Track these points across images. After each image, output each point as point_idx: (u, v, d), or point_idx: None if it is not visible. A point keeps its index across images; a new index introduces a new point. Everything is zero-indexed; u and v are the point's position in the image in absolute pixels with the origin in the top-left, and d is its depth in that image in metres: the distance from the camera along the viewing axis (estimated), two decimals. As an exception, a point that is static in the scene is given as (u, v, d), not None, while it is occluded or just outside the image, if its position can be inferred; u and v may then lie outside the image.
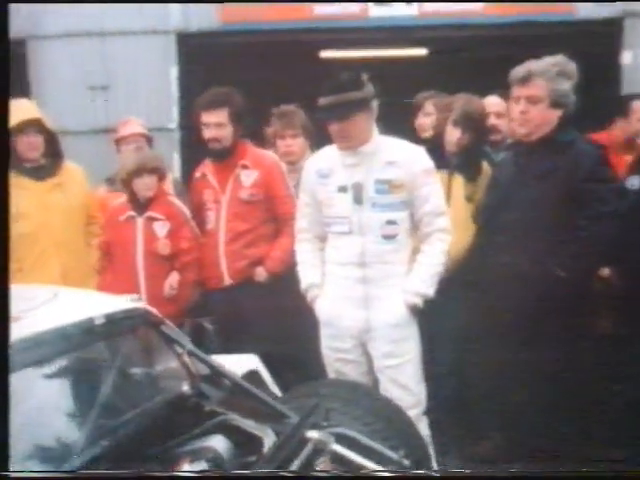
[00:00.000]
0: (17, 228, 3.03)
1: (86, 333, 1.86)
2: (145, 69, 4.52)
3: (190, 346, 2.10)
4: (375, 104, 2.38)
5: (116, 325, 1.98)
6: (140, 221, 3.15)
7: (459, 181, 2.84)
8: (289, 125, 3.22)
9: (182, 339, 2.14)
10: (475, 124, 2.82)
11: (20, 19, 4.64)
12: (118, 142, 3.55)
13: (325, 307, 2.48)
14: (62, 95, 4.54)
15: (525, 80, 2.41)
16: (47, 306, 1.97)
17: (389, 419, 2.09)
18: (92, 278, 3.21)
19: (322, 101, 2.32)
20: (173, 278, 3.13)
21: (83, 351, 1.91)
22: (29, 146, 3.08)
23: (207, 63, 4.49)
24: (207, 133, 2.98)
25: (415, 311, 2.43)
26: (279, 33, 4.47)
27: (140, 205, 3.16)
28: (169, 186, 3.50)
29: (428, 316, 2.51)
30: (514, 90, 2.51)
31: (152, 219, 3.16)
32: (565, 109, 2.43)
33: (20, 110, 3.08)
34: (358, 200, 2.38)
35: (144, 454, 1.78)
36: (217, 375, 2.21)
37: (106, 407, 1.88)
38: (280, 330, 2.96)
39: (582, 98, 2.47)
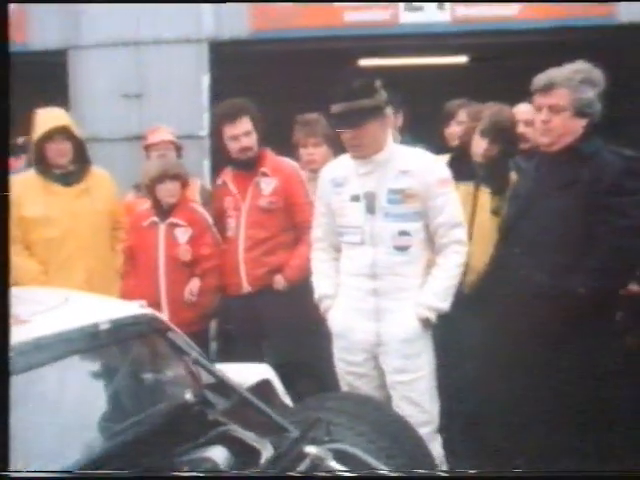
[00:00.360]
0: (45, 232, 3.17)
1: (91, 338, 1.88)
2: (178, 77, 4.59)
3: (195, 354, 2.10)
4: (389, 111, 2.34)
5: (122, 331, 1.99)
6: (162, 227, 3.19)
7: (485, 194, 2.76)
8: (311, 133, 3.21)
9: (188, 347, 2.14)
10: (504, 135, 2.72)
11: (62, 29, 4.80)
12: (147, 149, 3.62)
13: (337, 319, 2.45)
14: (98, 103, 4.65)
15: (547, 88, 2.32)
16: (57, 310, 2.01)
17: (395, 437, 2.03)
18: (117, 283, 3.27)
19: (334, 108, 2.29)
20: (194, 284, 3.15)
21: (88, 355, 1.93)
22: (58, 152, 3.16)
23: (238, 71, 4.52)
24: (236, 145, 2.99)
25: (428, 325, 2.37)
26: (310, 41, 4.47)
27: (163, 211, 3.20)
28: (196, 193, 3.55)
29: (445, 330, 2.45)
30: (536, 99, 2.42)
31: (174, 225, 3.19)
32: (590, 118, 2.32)
33: (49, 118, 3.18)
34: (370, 210, 2.34)
35: (143, 461, 1.79)
36: (222, 385, 2.21)
37: (111, 411, 1.90)
38: (298, 339, 2.95)
39: (629, 105, 2.36)
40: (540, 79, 2.36)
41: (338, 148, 3.33)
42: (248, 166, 3.04)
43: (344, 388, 2.48)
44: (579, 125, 2.33)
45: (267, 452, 1.81)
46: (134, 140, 4.36)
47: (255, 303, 3.01)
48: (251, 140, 3.00)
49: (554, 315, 2.25)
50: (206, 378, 2.31)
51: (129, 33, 4.60)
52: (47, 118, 3.18)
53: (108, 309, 2.11)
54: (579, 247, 2.24)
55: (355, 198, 2.37)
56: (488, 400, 2.62)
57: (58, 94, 4.82)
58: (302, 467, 1.72)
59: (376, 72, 2.37)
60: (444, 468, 2.33)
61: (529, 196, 2.49)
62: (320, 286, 2.50)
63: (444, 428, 2.47)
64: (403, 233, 2.34)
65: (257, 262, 3.01)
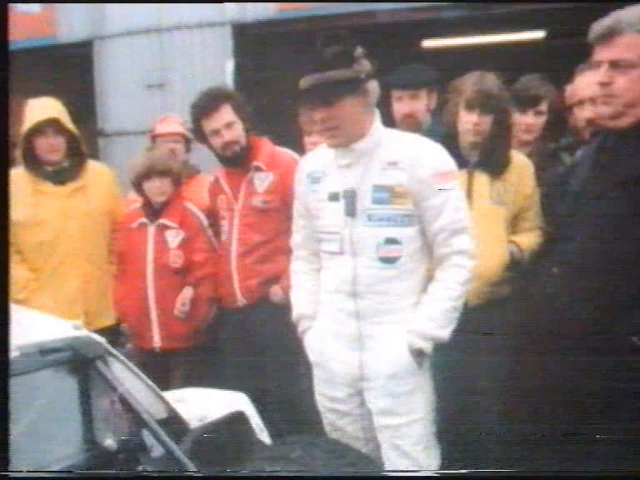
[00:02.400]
0: (35, 236, 2.87)
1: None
2: (201, 64, 4.27)
3: (123, 389, 1.73)
4: (374, 87, 1.86)
5: (33, 359, 1.66)
6: (152, 229, 2.85)
7: (482, 180, 2.23)
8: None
9: (116, 380, 1.77)
10: (492, 103, 2.19)
11: (88, 20, 4.62)
12: (154, 140, 3.29)
13: (315, 345, 1.99)
14: (122, 95, 4.43)
15: (607, 36, 1.69)
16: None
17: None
18: (109, 288, 2.99)
19: (302, 83, 1.82)
20: (185, 294, 2.79)
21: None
22: (49, 148, 2.89)
23: (263, 55, 4.14)
24: (219, 140, 2.59)
25: (422, 358, 1.87)
26: (341, 18, 4.01)
27: (154, 211, 2.87)
28: (204, 191, 3.19)
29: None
30: (595, 54, 1.81)
31: (164, 227, 2.85)
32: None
33: (39, 109, 2.91)
34: (350, 211, 1.86)
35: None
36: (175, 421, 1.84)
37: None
38: (295, 361, 2.53)
39: None
40: (599, 25, 1.74)
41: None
42: (238, 161, 2.64)
43: (326, 428, 2.03)
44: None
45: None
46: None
47: (250, 318, 2.60)
48: (235, 132, 2.58)
49: (600, 371, 1.65)
50: (162, 411, 1.95)
51: (152, 20, 4.33)
52: (36, 109, 2.91)
53: (30, 331, 1.79)
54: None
55: (333, 197, 1.90)
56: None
57: (86, 87, 4.69)
58: None
59: (357, 38, 1.87)
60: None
61: (579, 195, 1.91)
62: (298, 304, 2.05)
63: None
64: (391, 241, 1.85)
65: (251, 271, 2.59)
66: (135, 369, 1.92)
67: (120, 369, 1.86)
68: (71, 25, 4.60)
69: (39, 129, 2.86)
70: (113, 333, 2.91)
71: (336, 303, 1.91)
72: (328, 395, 1.97)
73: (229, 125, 2.58)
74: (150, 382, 1.95)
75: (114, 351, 1.89)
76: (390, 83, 2.66)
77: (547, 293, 1.82)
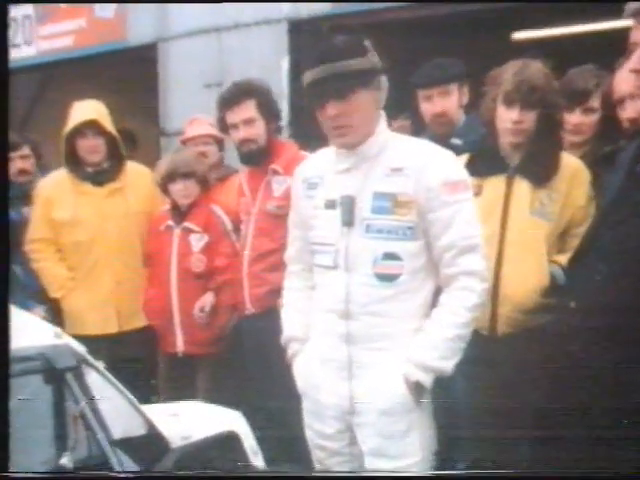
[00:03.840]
0: (73, 235, 2.93)
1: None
2: (258, 62, 4.20)
3: (82, 406, 1.66)
4: (384, 82, 1.65)
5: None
6: (177, 232, 2.81)
7: (523, 188, 1.94)
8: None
9: (85, 394, 1.71)
10: (536, 96, 1.90)
11: (154, 23, 4.71)
12: (184, 144, 3.26)
13: (302, 371, 1.80)
14: (182, 95, 4.47)
15: None
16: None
17: None
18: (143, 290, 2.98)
19: (308, 76, 1.64)
20: (205, 300, 2.73)
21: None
22: (89, 149, 2.94)
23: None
24: (236, 135, 2.50)
25: (420, 392, 1.64)
26: (399, 10, 3.77)
27: (180, 214, 2.83)
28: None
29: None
30: (631, 35, 1.52)
31: (189, 230, 2.80)
32: None
33: (78, 112, 2.97)
34: (347, 220, 1.67)
35: None
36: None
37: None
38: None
39: None
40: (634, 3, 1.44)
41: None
42: (257, 162, 2.52)
43: (315, 465, 1.84)
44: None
45: None
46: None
47: (258, 328, 2.48)
48: (253, 130, 2.47)
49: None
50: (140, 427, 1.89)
51: (211, 20, 4.32)
52: (78, 111, 2.97)
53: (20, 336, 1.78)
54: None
55: (330, 204, 1.71)
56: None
57: (151, 89, 4.79)
58: None
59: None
60: None
61: (615, 201, 1.62)
62: (288, 324, 1.87)
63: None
64: (390, 256, 1.64)
65: (259, 279, 2.48)
66: (115, 381, 1.86)
67: (98, 381, 1.80)
68: (139, 28, 4.71)
69: (80, 131, 2.91)
70: (143, 335, 2.93)
71: (327, 324, 1.73)
72: (316, 429, 1.78)
73: (248, 121, 2.48)
74: (130, 396, 1.88)
75: (94, 362, 1.84)
76: (416, 82, 2.42)
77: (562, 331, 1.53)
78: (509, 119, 1.94)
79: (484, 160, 1.99)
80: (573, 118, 2.21)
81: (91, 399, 1.71)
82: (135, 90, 5.18)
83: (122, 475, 1.62)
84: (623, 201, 1.52)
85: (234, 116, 2.48)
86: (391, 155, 1.68)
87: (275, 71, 4.15)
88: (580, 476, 1.32)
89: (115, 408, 1.80)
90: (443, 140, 2.29)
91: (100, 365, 1.87)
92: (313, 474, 1.55)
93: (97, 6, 4.82)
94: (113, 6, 4.81)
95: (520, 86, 1.91)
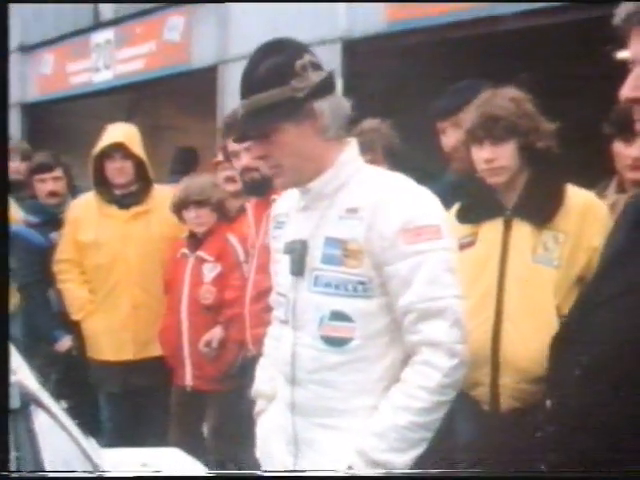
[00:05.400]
0: (95, 257, 2.92)
1: None
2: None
3: (13, 456, 1.53)
4: (321, 107, 1.37)
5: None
6: (191, 260, 2.69)
7: (523, 231, 1.63)
8: (366, 147, 2.33)
9: (23, 441, 1.58)
10: (504, 127, 1.60)
11: (217, 45, 4.71)
12: (216, 167, 3.15)
13: (260, 434, 1.58)
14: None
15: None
16: None
17: None
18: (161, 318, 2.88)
19: (239, 110, 1.43)
20: (213, 334, 2.58)
21: None
22: (117, 172, 2.92)
23: (374, 70, 3.79)
24: (238, 163, 2.33)
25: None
26: (458, 26, 3.48)
27: (196, 242, 2.71)
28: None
29: None
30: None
31: (202, 260, 2.67)
32: None
33: (107, 134, 2.96)
34: (296, 269, 1.43)
35: None
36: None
37: None
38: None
39: None
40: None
41: (405, 167, 2.43)
42: (261, 192, 2.33)
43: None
44: None
45: None
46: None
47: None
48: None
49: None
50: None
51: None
52: (108, 134, 2.96)
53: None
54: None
55: (289, 249, 1.48)
56: None
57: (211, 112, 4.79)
58: None
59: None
60: None
61: (622, 248, 1.26)
62: (257, 377, 1.66)
63: None
64: (338, 316, 1.37)
65: (258, 318, 2.27)
66: (68, 424, 1.73)
67: (46, 425, 1.67)
68: (202, 51, 4.73)
69: (108, 153, 2.89)
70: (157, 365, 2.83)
71: (279, 388, 1.51)
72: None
73: (264, 156, 2.30)
74: (83, 442, 1.74)
75: (47, 402, 1.72)
76: (428, 113, 2.14)
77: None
78: (480, 159, 1.64)
79: (478, 203, 1.69)
80: (632, 151, 1.84)
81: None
82: (198, 110, 5.24)
83: (121, 475, 1.57)
84: (622, 266, 1.15)
85: (236, 144, 2.33)
86: (350, 192, 1.41)
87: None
88: (580, 476, 1.16)
89: (62, 456, 1.66)
90: (466, 176, 2.01)
91: (55, 406, 1.74)
92: (313, 474, 1.38)
93: (166, 29, 4.92)
94: (180, 29, 4.88)
95: (483, 119, 1.61)
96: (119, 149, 2.88)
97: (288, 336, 1.46)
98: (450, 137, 2.06)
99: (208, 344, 2.57)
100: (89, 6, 5.65)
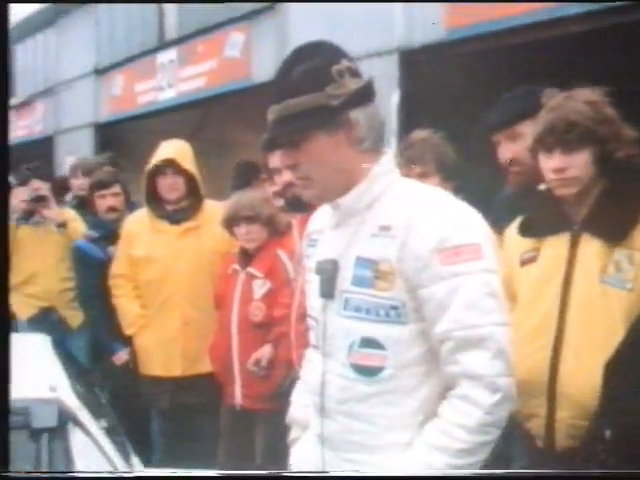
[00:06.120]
0: (147, 273, 2.95)
1: None
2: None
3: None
4: (357, 116, 1.27)
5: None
6: (242, 276, 2.65)
7: (592, 248, 1.47)
8: (416, 158, 2.22)
9: (60, 458, 1.56)
10: (579, 134, 1.42)
11: (272, 60, 4.72)
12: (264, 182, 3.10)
13: (291, 462, 1.49)
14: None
15: None
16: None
17: None
18: (212, 333, 2.85)
19: (269, 114, 1.33)
20: (262, 353, 2.51)
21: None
22: (168, 187, 2.93)
23: (432, 82, 3.66)
24: (279, 179, 2.28)
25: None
26: (521, 31, 3.31)
27: (246, 257, 2.66)
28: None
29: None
30: None
31: (252, 276, 2.61)
32: None
33: (162, 150, 2.99)
34: (326, 291, 1.33)
35: None
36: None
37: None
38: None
39: None
40: None
41: (459, 181, 2.29)
42: (304, 208, 2.26)
43: None
44: None
45: None
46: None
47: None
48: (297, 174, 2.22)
49: None
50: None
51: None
52: (160, 150, 2.99)
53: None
54: None
55: (319, 268, 1.38)
56: None
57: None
58: None
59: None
60: None
61: None
62: (293, 403, 1.57)
63: None
64: (369, 343, 1.26)
65: (303, 338, 2.18)
66: (104, 444, 1.70)
67: (82, 444, 1.65)
68: (262, 66, 4.75)
69: (160, 169, 2.91)
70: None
71: (311, 417, 1.41)
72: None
73: (293, 166, 2.23)
74: (118, 463, 1.71)
75: (85, 421, 1.70)
76: (481, 126, 1.99)
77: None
78: (549, 169, 1.48)
79: (542, 216, 1.54)
80: None
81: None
82: (262, 125, 5.20)
83: (122, 475, 1.56)
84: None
85: (276, 159, 2.26)
86: (384, 208, 1.29)
87: (384, 105, 3.90)
88: (580, 476, 1.19)
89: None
90: (525, 190, 1.86)
91: (94, 426, 1.72)
92: (313, 474, 1.36)
93: (227, 46, 4.98)
94: (240, 45, 4.92)
95: (554, 125, 1.45)
96: (170, 165, 2.90)
97: (318, 363, 1.36)
98: (505, 150, 1.91)
99: (257, 363, 2.51)
100: (155, 26, 5.82)
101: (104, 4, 6.14)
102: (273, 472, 1.45)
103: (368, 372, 1.27)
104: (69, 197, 4.21)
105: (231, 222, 2.61)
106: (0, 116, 1.56)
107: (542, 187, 1.97)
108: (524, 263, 1.55)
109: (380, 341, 1.26)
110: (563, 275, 1.46)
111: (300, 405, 1.54)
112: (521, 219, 1.61)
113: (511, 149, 1.88)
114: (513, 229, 1.59)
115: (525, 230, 1.57)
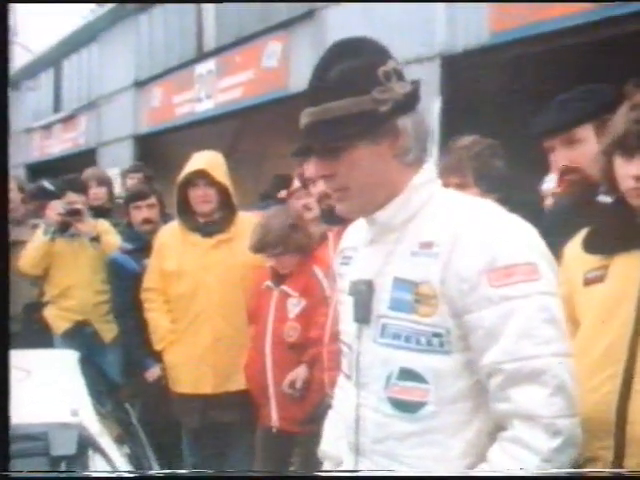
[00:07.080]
0: (178, 286, 2.84)
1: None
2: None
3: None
4: (404, 124, 1.14)
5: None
6: (275, 294, 2.53)
7: None
8: (454, 167, 2.07)
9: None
10: None
11: (310, 69, 4.63)
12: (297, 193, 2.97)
13: None
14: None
15: None
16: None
17: None
18: (244, 350, 2.73)
19: (302, 118, 1.19)
20: (297, 374, 2.39)
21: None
22: (200, 199, 2.83)
23: (475, 88, 3.50)
24: (315, 189, 2.18)
25: None
26: (566, 34, 3.14)
27: (280, 274, 2.55)
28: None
29: None
30: None
31: (286, 294, 2.50)
32: None
33: (191, 162, 2.90)
34: (361, 316, 1.19)
35: None
36: None
37: None
38: None
39: None
40: None
41: (497, 190, 2.13)
42: (339, 220, 2.13)
43: None
44: None
45: None
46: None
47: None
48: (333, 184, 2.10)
49: None
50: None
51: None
52: (191, 162, 2.91)
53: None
54: None
55: (353, 289, 1.24)
56: None
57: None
58: None
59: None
60: None
61: None
62: (324, 435, 1.43)
63: None
64: (409, 375, 1.12)
65: (335, 360, 2.06)
66: (122, 470, 1.61)
67: (101, 468, 1.56)
68: (300, 76, 4.67)
69: (192, 181, 2.83)
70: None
71: (344, 453, 1.28)
72: None
73: (329, 176, 2.11)
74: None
75: (106, 448, 1.61)
76: (532, 131, 1.82)
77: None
78: (628, 175, 1.31)
79: (612, 230, 1.37)
80: None
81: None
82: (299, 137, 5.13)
83: (122, 475, 1.52)
84: None
85: (312, 169, 2.15)
86: (424, 223, 1.15)
87: (425, 113, 3.76)
88: (579, 476, 1.18)
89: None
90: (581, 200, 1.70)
91: (115, 452, 1.63)
92: (313, 474, 1.39)
93: (264, 56, 4.92)
94: (277, 55, 4.86)
95: (637, 128, 1.27)
96: (202, 176, 2.80)
97: (351, 395, 1.22)
98: (561, 157, 1.74)
99: (292, 385, 2.39)
100: (194, 38, 5.82)
101: (144, 16, 6.18)
102: (273, 472, 1.32)
103: (408, 408, 1.13)
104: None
105: (260, 249, 2.50)
106: (0, 116, 1.51)
107: (603, 198, 1.80)
108: (589, 283, 1.38)
109: (421, 373, 1.11)
110: (637, 297, 1.29)
111: (332, 438, 1.41)
112: (585, 233, 1.44)
113: (567, 155, 1.70)
114: (575, 245, 1.42)
115: (591, 246, 1.39)
